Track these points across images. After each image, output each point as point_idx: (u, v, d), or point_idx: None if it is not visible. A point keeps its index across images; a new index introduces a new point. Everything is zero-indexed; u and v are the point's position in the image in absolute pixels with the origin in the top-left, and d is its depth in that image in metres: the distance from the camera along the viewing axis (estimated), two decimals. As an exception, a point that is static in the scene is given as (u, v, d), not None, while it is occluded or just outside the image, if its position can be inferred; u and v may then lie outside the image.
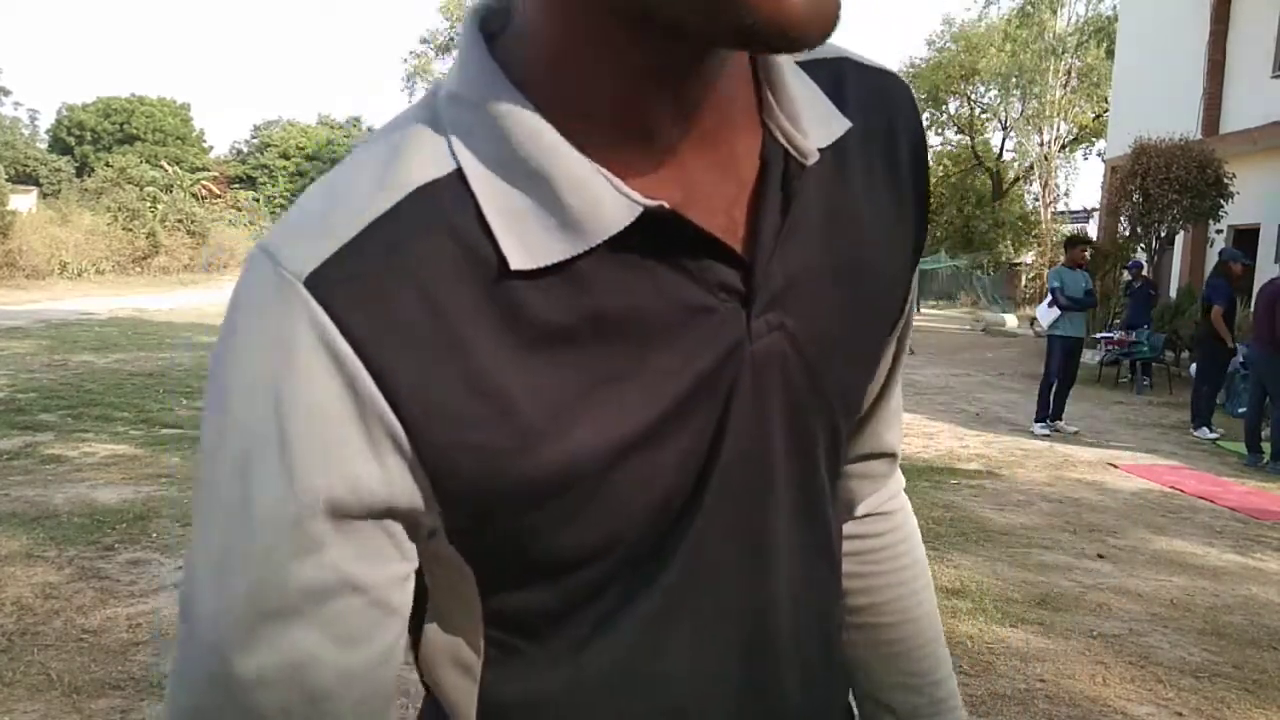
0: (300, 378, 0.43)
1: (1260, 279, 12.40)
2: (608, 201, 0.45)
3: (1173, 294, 14.84)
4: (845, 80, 0.57)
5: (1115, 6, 26.06)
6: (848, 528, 0.73)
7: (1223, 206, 12.96)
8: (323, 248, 0.44)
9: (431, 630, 0.56)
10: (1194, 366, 9.91)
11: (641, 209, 0.46)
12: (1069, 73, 31.49)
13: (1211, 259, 11.28)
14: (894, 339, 0.65)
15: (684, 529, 0.52)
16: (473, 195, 0.45)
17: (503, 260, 0.45)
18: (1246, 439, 7.78)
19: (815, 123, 0.52)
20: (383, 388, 0.43)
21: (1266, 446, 7.65)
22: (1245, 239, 13.60)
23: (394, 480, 0.45)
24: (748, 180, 0.51)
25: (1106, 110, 24.96)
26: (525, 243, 0.45)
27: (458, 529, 0.49)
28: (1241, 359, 9.19)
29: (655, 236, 0.47)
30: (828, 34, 0.41)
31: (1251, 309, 8.69)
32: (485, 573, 0.52)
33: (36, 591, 3.65)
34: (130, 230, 26.26)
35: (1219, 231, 14.20)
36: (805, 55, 0.56)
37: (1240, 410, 8.97)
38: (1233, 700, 3.24)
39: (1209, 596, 4.33)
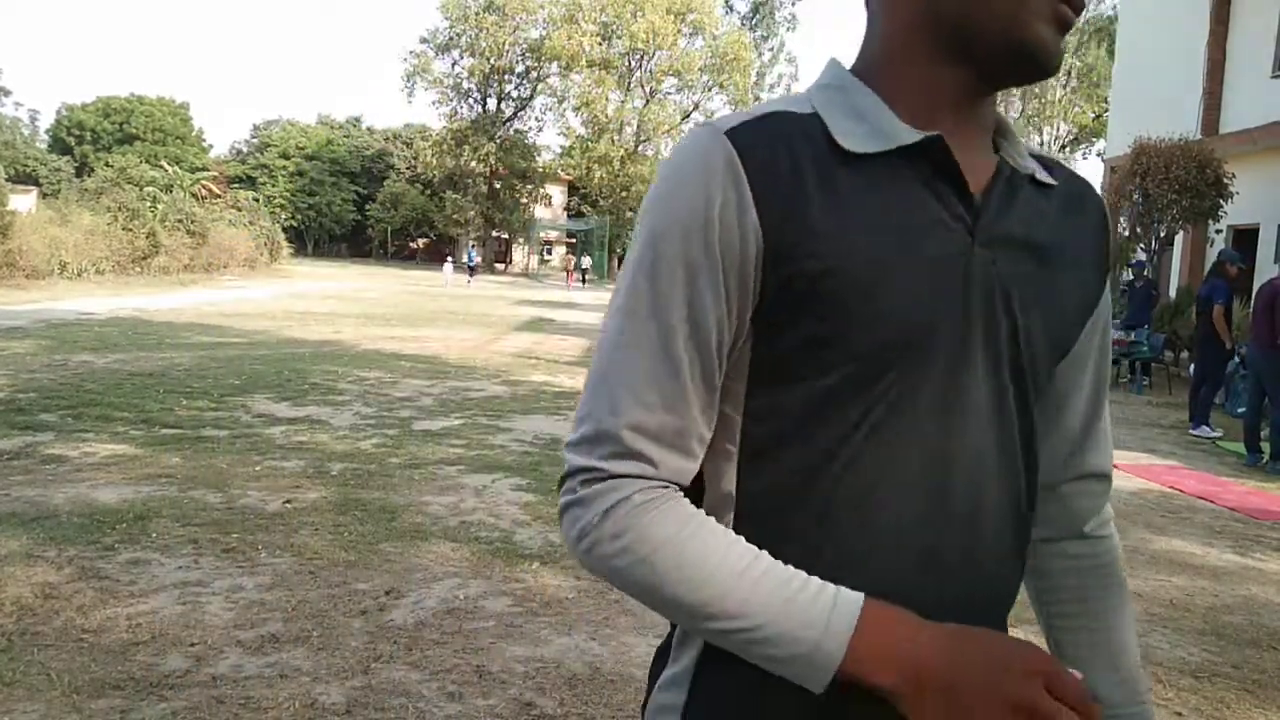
0: (716, 181, 0.73)
1: (1259, 279, 12.40)
2: (904, 129, 0.75)
3: (1172, 294, 14.84)
4: (1052, 167, 0.87)
5: (1115, 6, 26.03)
6: (1075, 546, 0.95)
7: (1222, 206, 12.96)
8: (736, 121, 0.76)
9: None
10: (1193, 366, 9.91)
11: (924, 135, 0.75)
12: (1069, 73, 31.46)
13: (1211, 259, 11.28)
14: (1086, 360, 0.90)
15: (908, 355, 0.74)
16: (821, 121, 0.76)
17: (834, 146, 0.75)
18: (1246, 439, 7.79)
19: (1031, 164, 0.82)
20: (755, 199, 0.73)
21: (1266, 446, 7.65)
22: (1245, 239, 13.60)
23: (748, 247, 0.73)
24: (983, 178, 0.78)
25: (1106, 110, 24.93)
26: (849, 141, 0.75)
27: (766, 319, 0.75)
28: (1240, 359, 9.19)
29: (925, 164, 0.75)
30: (1054, 73, 0.76)
31: (1250, 309, 8.69)
32: (763, 372, 0.76)
33: (36, 591, 3.65)
34: (130, 230, 26.23)
35: (1219, 231, 14.20)
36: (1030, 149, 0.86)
37: (1239, 410, 8.97)
38: (1232, 700, 3.24)
39: (1209, 596, 4.33)
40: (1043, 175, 0.82)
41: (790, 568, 0.71)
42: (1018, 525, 0.81)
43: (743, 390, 0.77)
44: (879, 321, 0.72)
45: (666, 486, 0.74)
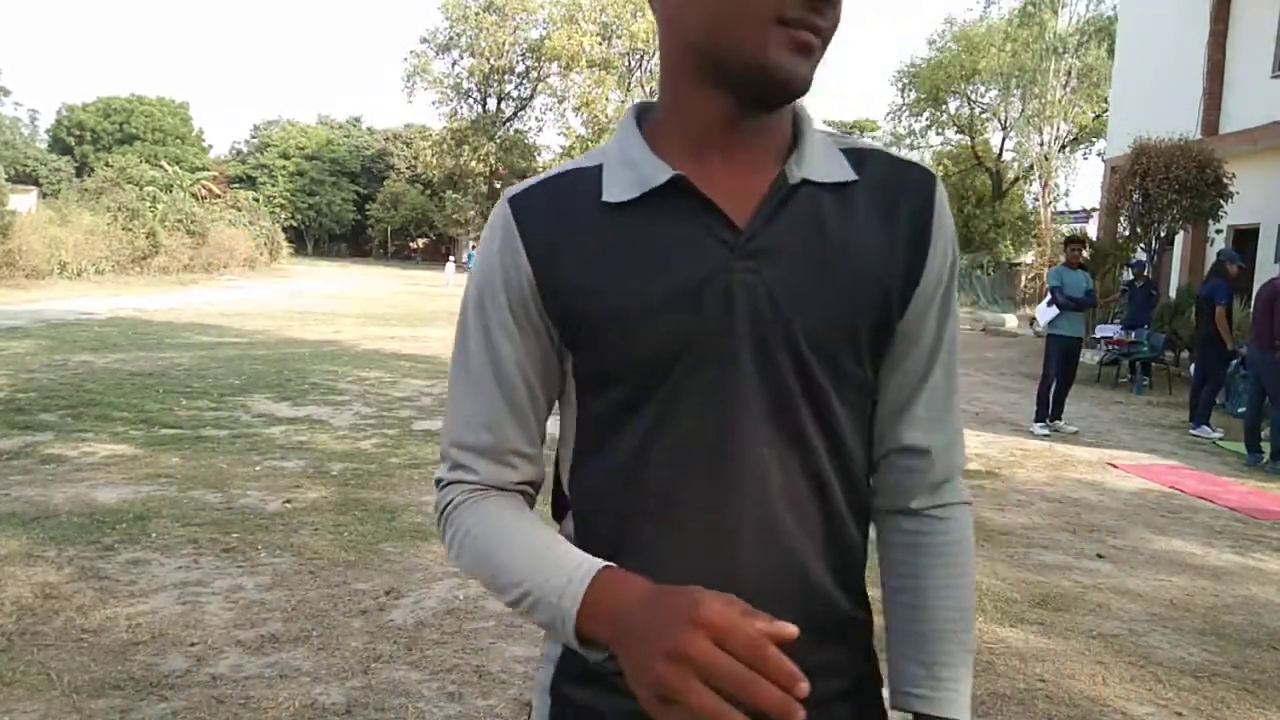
0: (498, 237, 0.89)
1: (1260, 279, 12.38)
2: (659, 172, 0.85)
3: (1172, 294, 14.83)
4: (866, 159, 0.91)
5: (1115, 6, 26.04)
6: (906, 521, 0.96)
7: (1222, 206, 12.96)
8: (523, 187, 0.92)
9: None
10: (1193, 366, 9.90)
11: (673, 174, 0.84)
12: (1069, 73, 31.45)
13: (1211, 259, 11.27)
14: (913, 338, 0.92)
15: (674, 371, 0.84)
16: (601, 173, 0.88)
17: (600, 199, 0.87)
18: (1246, 439, 7.78)
19: (818, 169, 0.87)
20: (526, 251, 0.87)
21: (1266, 446, 7.65)
22: (1245, 239, 13.60)
23: (525, 292, 0.87)
24: (760, 190, 0.86)
25: (1106, 110, 24.93)
26: (614, 191, 0.86)
27: (566, 348, 0.89)
28: (1240, 359, 9.19)
29: (683, 199, 0.84)
30: (801, 93, 0.82)
31: (1251, 309, 8.69)
32: (580, 392, 0.90)
33: (36, 591, 3.65)
34: (130, 230, 26.22)
35: (1219, 231, 14.19)
36: (848, 144, 0.92)
37: (1240, 410, 8.97)
38: (1232, 700, 3.24)
39: (1209, 596, 4.33)
40: (828, 176, 0.87)
41: (566, 547, 0.83)
42: (826, 506, 0.88)
43: (575, 408, 0.92)
44: (644, 344, 0.84)
45: (485, 489, 0.90)
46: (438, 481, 0.94)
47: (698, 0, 0.81)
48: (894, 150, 0.95)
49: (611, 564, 0.79)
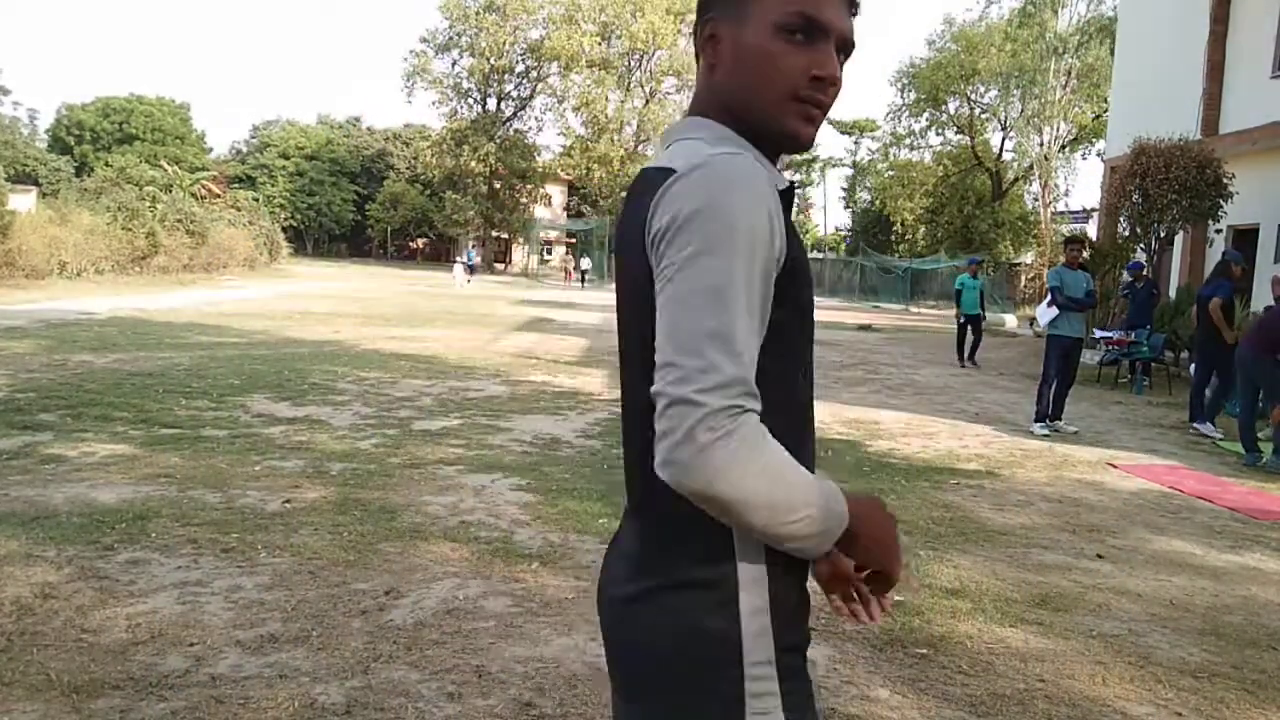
0: (765, 204, 1.04)
1: (1260, 279, 12.39)
2: (780, 177, 1.14)
3: (1172, 294, 14.83)
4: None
5: (1115, 7, 26.02)
6: None
7: (1222, 207, 12.96)
8: (760, 167, 1.11)
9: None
10: (1193, 366, 9.90)
11: (790, 182, 1.15)
12: (1069, 73, 31.43)
13: (1211, 259, 11.27)
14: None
15: (812, 311, 1.19)
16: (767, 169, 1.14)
17: (774, 186, 1.10)
18: (1241, 437, 7.78)
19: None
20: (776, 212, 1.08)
21: (1267, 447, 7.64)
22: (1244, 239, 13.60)
23: (776, 245, 1.06)
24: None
25: (1106, 110, 24.90)
26: (777, 183, 1.12)
27: (779, 298, 1.08)
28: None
29: (786, 197, 1.13)
30: (806, 149, 1.19)
31: (1251, 310, 8.68)
32: (781, 330, 1.11)
33: (36, 591, 3.64)
34: (130, 230, 26.21)
35: (1218, 231, 14.20)
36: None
37: (1238, 410, 8.97)
38: (1232, 700, 3.24)
39: (1208, 596, 4.33)
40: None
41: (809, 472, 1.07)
42: None
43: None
44: (808, 289, 1.14)
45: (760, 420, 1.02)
46: (730, 409, 0.96)
47: (738, 77, 1.12)
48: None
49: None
